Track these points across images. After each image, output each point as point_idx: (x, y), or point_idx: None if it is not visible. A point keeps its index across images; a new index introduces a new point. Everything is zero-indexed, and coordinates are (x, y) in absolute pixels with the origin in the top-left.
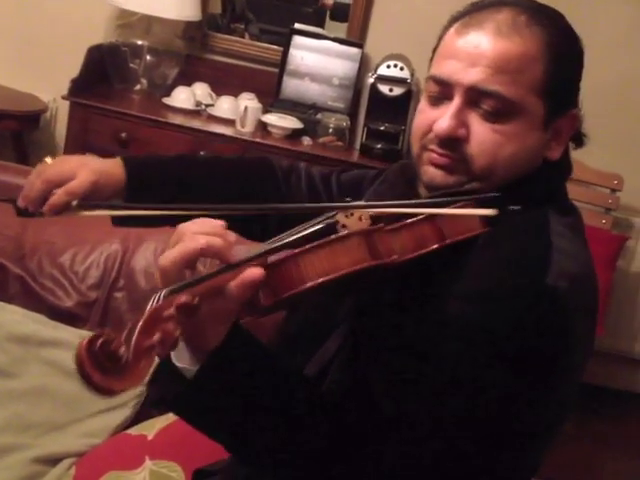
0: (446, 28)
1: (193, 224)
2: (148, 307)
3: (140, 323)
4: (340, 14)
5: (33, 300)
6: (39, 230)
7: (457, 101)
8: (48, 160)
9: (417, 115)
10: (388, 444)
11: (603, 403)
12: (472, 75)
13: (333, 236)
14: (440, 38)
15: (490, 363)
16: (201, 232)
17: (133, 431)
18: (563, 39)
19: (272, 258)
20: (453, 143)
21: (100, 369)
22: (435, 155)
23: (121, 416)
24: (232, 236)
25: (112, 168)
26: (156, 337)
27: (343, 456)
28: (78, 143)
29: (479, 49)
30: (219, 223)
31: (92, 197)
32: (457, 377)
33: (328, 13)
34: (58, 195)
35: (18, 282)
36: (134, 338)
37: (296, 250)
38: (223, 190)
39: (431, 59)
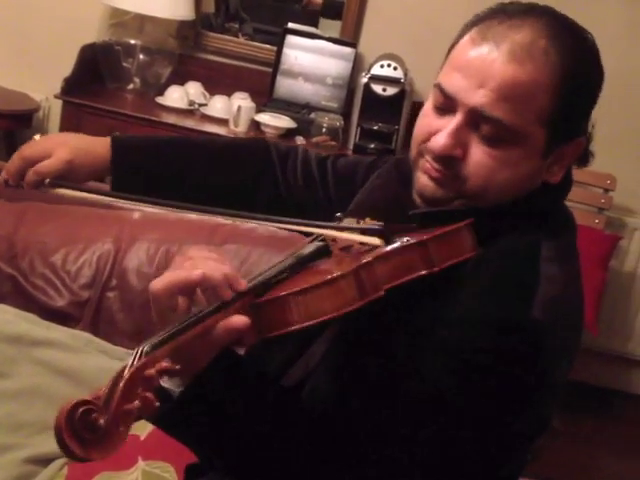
0: (463, 31)
1: (200, 251)
2: (128, 366)
3: (120, 387)
4: (331, 12)
5: (25, 300)
6: (31, 229)
7: (458, 119)
8: (36, 137)
9: (420, 118)
10: (366, 461)
11: (596, 402)
12: (477, 98)
13: (321, 279)
14: (456, 41)
15: (468, 390)
16: (205, 260)
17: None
18: (580, 69)
19: (261, 299)
20: (448, 160)
21: (79, 440)
22: (429, 166)
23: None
24: (231, 271)
25: (97, 147)
26: (136, 404)
27: (325, 472)
28: None
29: (489, 70)
30: (222, 259)
31: (69, 175)
32: (436, 402)
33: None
34: (28, 174)
35: (10, 282)
36: (113, 405)
37: (283, 293)
38: (215, 173)
39: (447, 55)
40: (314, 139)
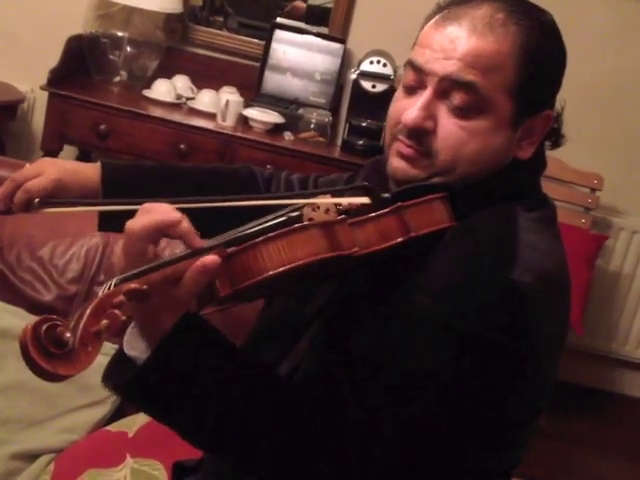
0: (428, 18)
1: (162, 205)
2: (99, 294)
3: (88, 309)
4: (315, 17)
5: (11, 294)
6: (18, 222)
7: (428, 92)
8: (27, 165)
9: (392, 104)
10: (353, 441)
11: (580, 402)
12: (446, 66)
13: (292, 227)
14: (421, 27)
15: (455, 358)
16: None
17: (113, 427)
18: (541, 40)
19: (231, 248)
20: (420, 135)
21: (45, 354)
22: (402, 145)
23: (100, 412)
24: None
25: (86, 168)
26: (103, 323)
27: (305, 451)
28: (56, 134)
29: (453, 44)
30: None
31: (58, 194)
32: (423, 372)
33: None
34: (17, 194)
35: None
36: (81, 323)
37: (255, 240)
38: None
39: (412, 47)
40: (302, 135)
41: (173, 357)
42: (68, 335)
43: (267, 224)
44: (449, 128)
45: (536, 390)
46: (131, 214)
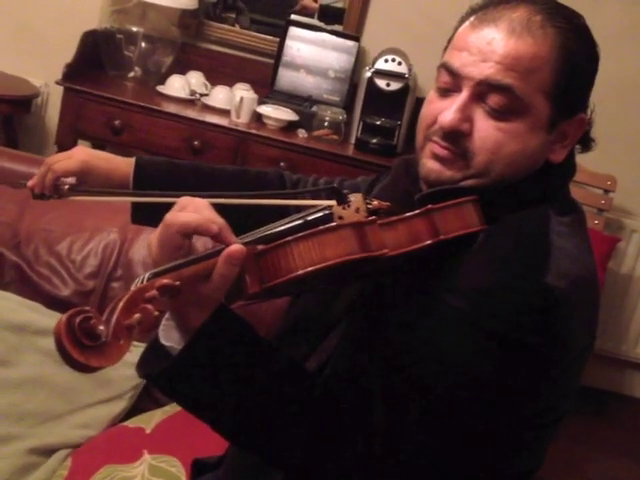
0: (462, 20)
1: (200, 202)
2: (132, 288)
3: (121, 303)
4: (329, 17)
5: (29, 288)
6: (35, 217)
7: (465, 94)
8: None
9: (425, 105)
10: (379, 438)
11: (590, 404)
12: (483, 69)
13: (323, 226)
14: (455, 29)
15: (485, 359)
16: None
17: (130, 423)
18: (577, 43)
19: (262, 246)
20: (456, 137)
21: (78, 345)
22: (437, 146)
23: (118, 407)
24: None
25: (118, 160)
26: (136, 317)
27: (328, 443)
28: (71, 129)
29: (491, 46)
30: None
31: (85, 177)
32: (452, 371)
33: (316, 15)
34: (47, 176)
35: (14, 270)
36: (114, 317)
37: (285, 238)
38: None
39: (445, 48)
40: (316, 132)
41: (205, 351)
42: (101, 328)
43: (296, 222)
44: (486, 130)
45: (562, 394)
46: (164, 208)
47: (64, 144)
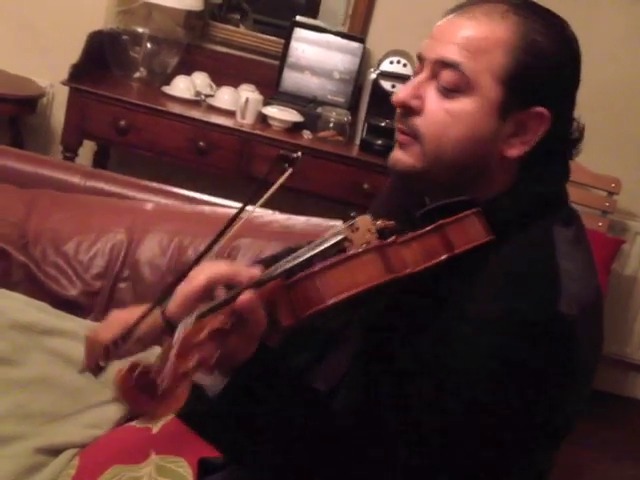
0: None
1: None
2: (177, 334)
3: (174, 351)
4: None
5: (36, 288)
6: (43, 217)
7: (423, 74)
8: None
9: None
10: (393, 465)
11: (594, 406)
12: (439, 50)
13: (349, 253)
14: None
15: (499, 388)
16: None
17: (137, 423)
18: (546, 37)
19: (291, 279)
20: (407, 115)
21: (145, 395)
22: (398, 133)
23: (125, 407)
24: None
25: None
26: (192, 363)
27: (354, 473)
28: (76, 129)
29: (450, 29)
30: None
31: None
32: (466, 400)
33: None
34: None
35: (21, 270)
36: (169, 366)
37: (313, 269)
38: None
39: None
40: (321, 133)
41: (245, 393)
42: (159, 380)
43: (317, 250)
44: (435, 110)
45: (573, 410)
46: None
47: (70, 144)
